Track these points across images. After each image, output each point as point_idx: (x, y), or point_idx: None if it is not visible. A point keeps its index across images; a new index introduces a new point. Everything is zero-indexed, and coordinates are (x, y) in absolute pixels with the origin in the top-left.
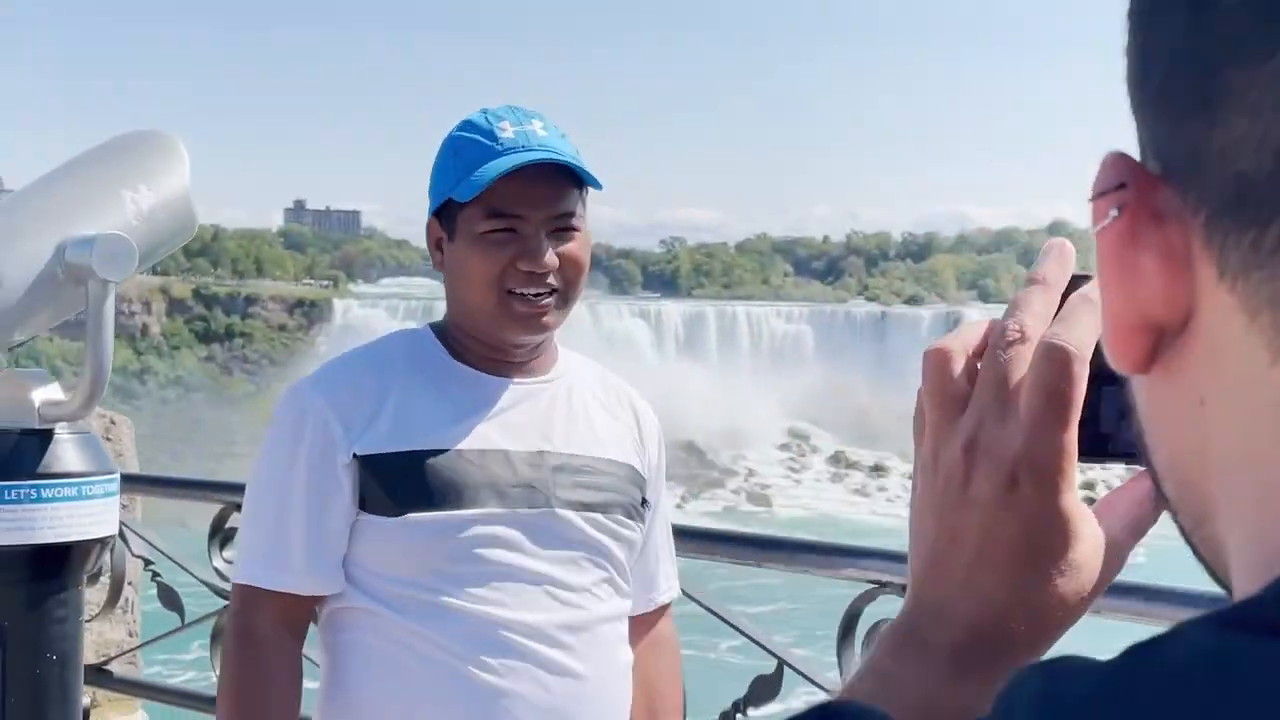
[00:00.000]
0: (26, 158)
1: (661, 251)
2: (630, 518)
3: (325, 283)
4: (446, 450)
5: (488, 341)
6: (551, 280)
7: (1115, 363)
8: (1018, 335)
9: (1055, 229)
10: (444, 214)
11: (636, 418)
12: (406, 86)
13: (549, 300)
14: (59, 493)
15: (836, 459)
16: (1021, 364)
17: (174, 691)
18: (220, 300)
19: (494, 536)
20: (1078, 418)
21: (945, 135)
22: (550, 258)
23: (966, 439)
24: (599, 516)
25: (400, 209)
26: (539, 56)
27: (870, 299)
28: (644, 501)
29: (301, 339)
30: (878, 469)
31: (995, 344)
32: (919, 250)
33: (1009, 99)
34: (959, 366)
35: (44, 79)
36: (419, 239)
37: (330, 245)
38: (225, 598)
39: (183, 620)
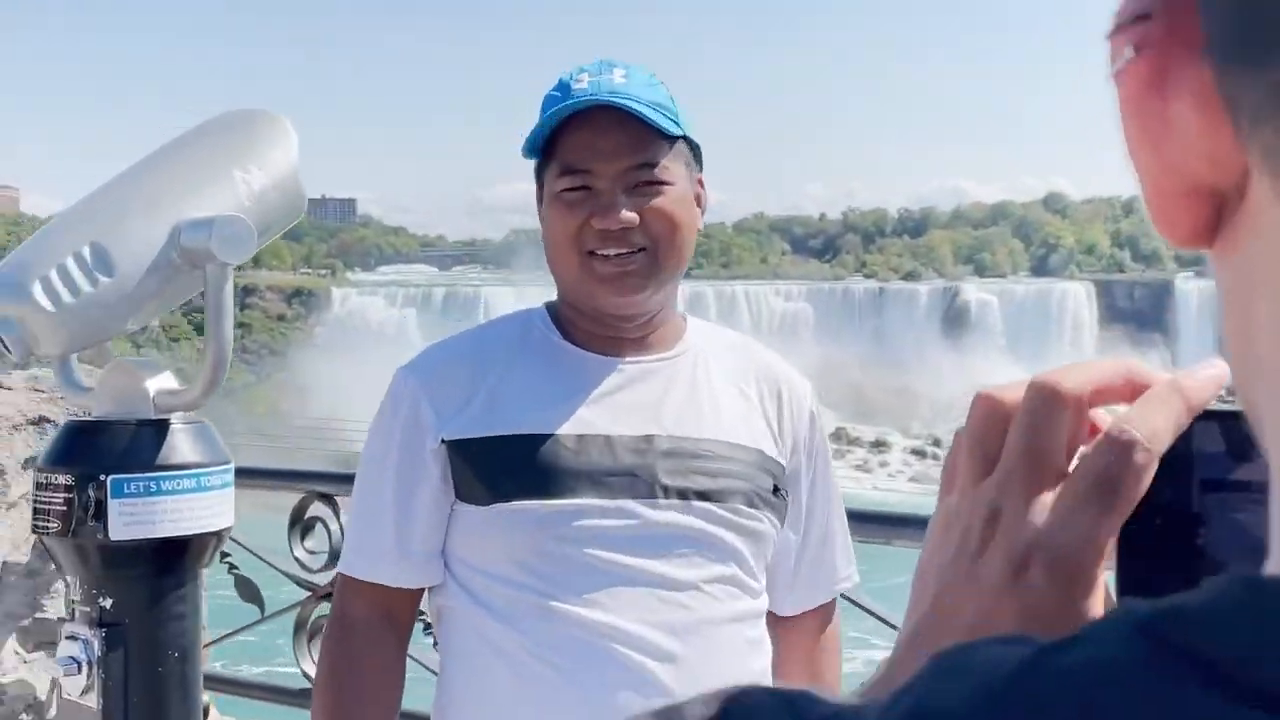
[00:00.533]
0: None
1: None
2: (754, 506)
3: (323, 271)
4: (541, 435)
5: (589, 314)
6: (635, 239)
7: (1164, 233)
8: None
9: (1051, 201)
10: (538, 179)
11: (779, 394)
12: (399, 75)
13: (635, 260)
14: (178, 485)
15: (838, 435)
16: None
17: (266, 687)
18: None
19: (590, 529)
20: (1126, 514)
21: (941, 112)
22: (626, 214)
23: (992, 507)
24: (713, 507)
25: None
26: (525, 36)
27: (868, 275)
28: (777, 489)
29: (300, 328)
30: (879, 444)
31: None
32: (915, 226)
33: (1003, 75)
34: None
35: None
36: (415, 226)
37: (327, 234)
38: (307, 588)
39: (262, 612)
